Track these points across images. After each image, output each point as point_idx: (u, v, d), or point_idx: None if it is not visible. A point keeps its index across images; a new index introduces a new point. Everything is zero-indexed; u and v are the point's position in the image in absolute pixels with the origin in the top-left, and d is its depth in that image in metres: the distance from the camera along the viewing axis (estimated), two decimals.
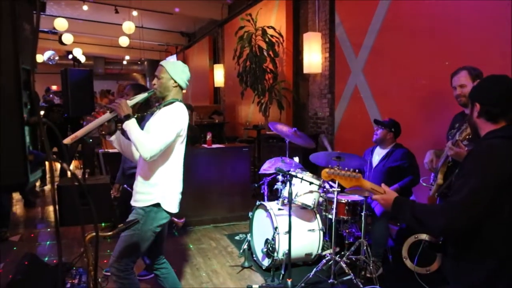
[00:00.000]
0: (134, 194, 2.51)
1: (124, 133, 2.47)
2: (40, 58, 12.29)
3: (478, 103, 1.65)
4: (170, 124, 2.38)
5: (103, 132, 2.54)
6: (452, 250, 1.63)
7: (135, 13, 10.02)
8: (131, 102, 2.45)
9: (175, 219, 3.81)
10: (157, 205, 2.43)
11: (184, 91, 2.60)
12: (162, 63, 2.56)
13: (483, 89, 1.69)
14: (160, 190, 2.44)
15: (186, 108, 2.55)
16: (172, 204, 2.51)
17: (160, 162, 2.42)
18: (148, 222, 2.41)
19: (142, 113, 2.72)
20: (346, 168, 1.92)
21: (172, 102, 2.50)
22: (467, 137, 2.35)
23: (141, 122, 2.84)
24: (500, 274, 1.49)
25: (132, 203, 2.51)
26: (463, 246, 1.56)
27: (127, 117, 2.35)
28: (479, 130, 1.68)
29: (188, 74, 2.59)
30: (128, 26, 9.53)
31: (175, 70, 2.52)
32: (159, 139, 2.32)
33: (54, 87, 11.68)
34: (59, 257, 0.87)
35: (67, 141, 2.25)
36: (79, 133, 2.32)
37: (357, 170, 1.90)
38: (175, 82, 2.52)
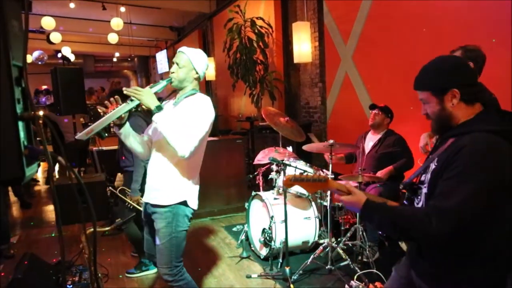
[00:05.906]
0: (157, 190, 2.26)
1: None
2: (28, 58, 12.15)
3: (455, 88, 1.43)
4: (203, 118, 2.16)
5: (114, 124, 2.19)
6: (434, 253, 1.47)
7: (122, 9, 9.92)
8: (152, 91, 2.12)
9: None
10: (183, 203, 2.25)
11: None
12: (183, 50, 2.28)
13: (453, 71, 1.46)
14: (187, 186, 2.27)
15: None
16: (196, 200, 2.35)
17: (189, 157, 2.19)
18: (181, 222, 2.25)
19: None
20: (313, 171, 1.78)
21: (193, 94, 2.27)
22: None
23: (131, 119, 2.67)
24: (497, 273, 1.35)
25: (153, 200, 2.27)
26: (453, 248, 1.39)
27: (159, 108, 2.05)
28: (452, 120, 1.47)
29: (208, 65, 2.39)
30: (116, 23, 9.45)
31: (199, 60, 2.29)
32: (194, 133, 2.10)
33: (44, 87, 11.58)
34: (62, 256, 0.89)
35: (81, 136, 1.99)
36: (95, 126, 2.02)
37: (324, 171, 1.73)
38: (197, 73, 2.29)
